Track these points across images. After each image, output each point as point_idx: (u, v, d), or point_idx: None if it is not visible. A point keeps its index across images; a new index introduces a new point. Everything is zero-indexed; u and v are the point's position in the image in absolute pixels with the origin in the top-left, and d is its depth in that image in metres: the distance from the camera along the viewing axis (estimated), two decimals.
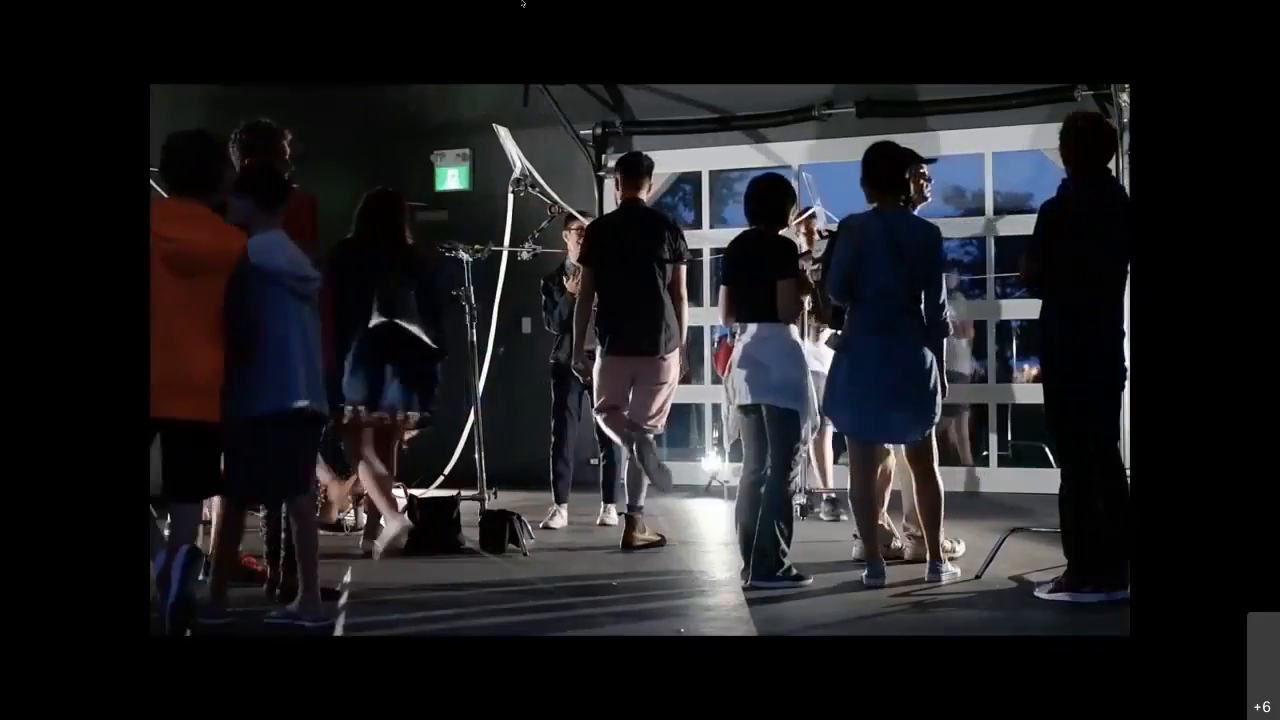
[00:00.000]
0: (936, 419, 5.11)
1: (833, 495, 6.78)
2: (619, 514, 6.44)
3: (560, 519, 6.85)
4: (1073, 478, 4.73)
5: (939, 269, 5.12)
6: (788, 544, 5.03)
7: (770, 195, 5.24)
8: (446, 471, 7.50)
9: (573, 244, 6.89)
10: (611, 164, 8.36)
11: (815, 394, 5.21)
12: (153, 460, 3.97)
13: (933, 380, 5.04)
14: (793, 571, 5.04)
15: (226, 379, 4.21)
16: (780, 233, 5.29)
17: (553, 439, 6.96)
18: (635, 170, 6.23)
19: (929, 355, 5.03)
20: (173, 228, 4.10)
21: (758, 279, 5.10)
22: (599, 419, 6.20)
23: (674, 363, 6.05)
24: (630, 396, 6.03)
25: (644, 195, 6.23)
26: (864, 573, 5.07)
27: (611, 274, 6.05)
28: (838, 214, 5.43)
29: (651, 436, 6.05)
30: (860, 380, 5.03)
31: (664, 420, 6.14)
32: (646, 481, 6.00)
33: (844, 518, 6.44)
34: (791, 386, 5.03)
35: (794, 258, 5.24)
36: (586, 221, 6.86)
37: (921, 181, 5.52)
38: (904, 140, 7.26)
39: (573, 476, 7.03)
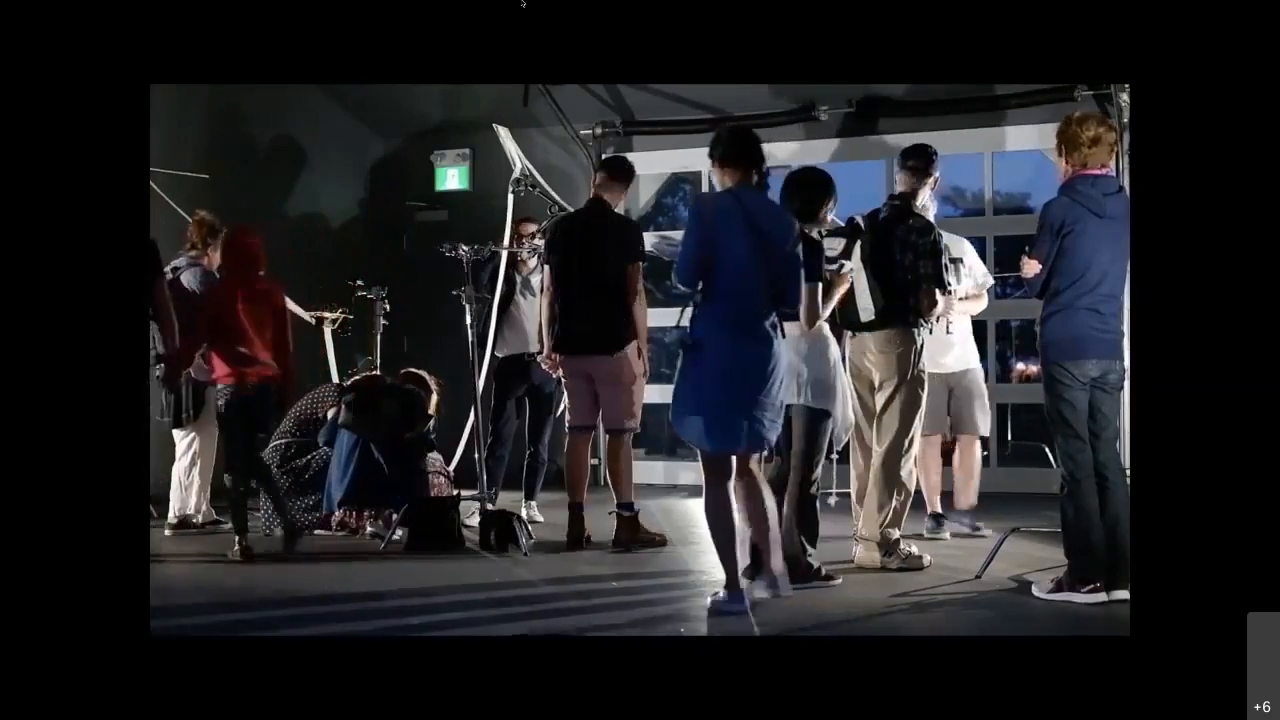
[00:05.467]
0: (779, 427, 4.57)
1: (938, 512, 6.49)
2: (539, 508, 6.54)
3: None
4: (1073, 478, 4.72)
5: (796, 262, 4.49)
6: (813, 545, 4.99)
7: (802, 190, 4.91)
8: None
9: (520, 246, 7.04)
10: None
11: (850, 395, 5.11)
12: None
13: (779, 387, 4.49)
14: (822, 573, 4.97)
15: None
16: (826, 229, 4.94)
17: (490, 438, 6.84)
18: (617, 173, 6.24)
19: (779, 359, 4.47)
20: None
21: None
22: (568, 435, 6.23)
23: (629, 362, 6.02)
24: (599, 404, 6.09)
25: (613, 198, 6.19)
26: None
27: (565, 272, 6.09)
28: (841, 215, 5.33)
29: (629, 436, 6.10)
30: (710, 383, 4.43)
31: (636, 420, 6.15)
32: (634, 480, 6.06)
33: (947, 536, 6.33)
34: (822, 385, 4.89)
35: (816, 259, 4.68)
36: (532, 226, 7.05)
37: (923, 178, 5.46)
38: (904, 140, 7.31)
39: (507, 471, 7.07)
